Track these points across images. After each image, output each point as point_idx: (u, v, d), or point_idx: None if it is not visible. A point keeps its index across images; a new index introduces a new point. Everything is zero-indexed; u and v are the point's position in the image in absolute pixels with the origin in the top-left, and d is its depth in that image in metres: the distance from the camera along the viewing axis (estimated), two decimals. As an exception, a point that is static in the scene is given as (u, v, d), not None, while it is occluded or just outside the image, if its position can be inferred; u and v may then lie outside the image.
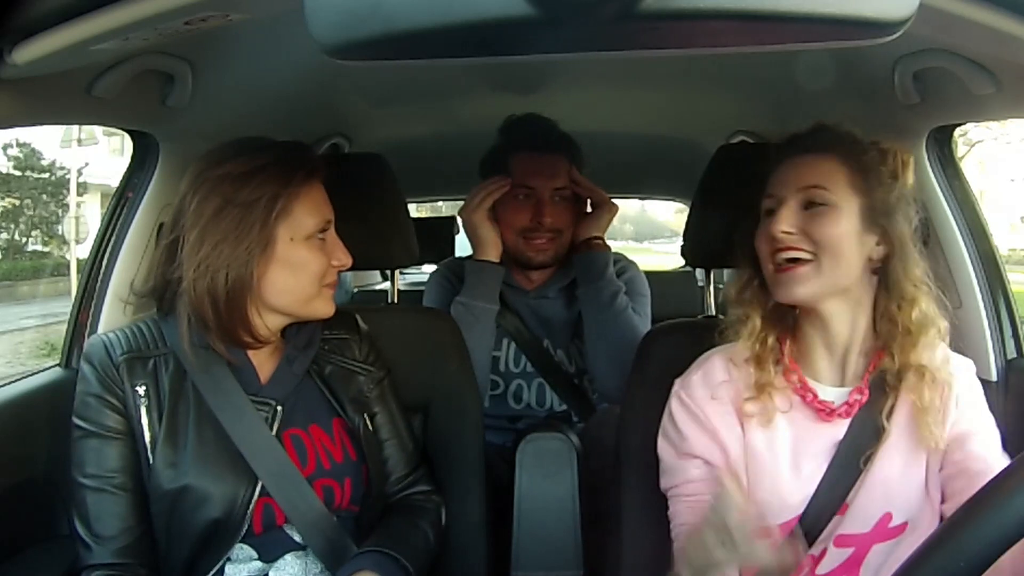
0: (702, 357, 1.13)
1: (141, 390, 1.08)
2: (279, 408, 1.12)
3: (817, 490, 1.04)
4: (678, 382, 1.12)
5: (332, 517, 1.12)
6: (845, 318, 1.06)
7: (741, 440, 1.06)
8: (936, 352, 1.05)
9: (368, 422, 1.20)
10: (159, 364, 1.10)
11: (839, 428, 1.05)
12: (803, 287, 1.04)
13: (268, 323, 1.12)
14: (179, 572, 1.08)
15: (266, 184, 1.06)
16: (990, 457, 1.04)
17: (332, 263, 1.13)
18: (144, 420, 1.07)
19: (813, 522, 1.04)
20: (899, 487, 1.03)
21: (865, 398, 1.05)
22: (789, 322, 1.10)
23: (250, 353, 1.14)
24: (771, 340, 1.08)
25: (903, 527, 1.04)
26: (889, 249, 1.05)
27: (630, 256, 1.92)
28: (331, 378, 1.19)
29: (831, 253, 1.03)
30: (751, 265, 1.11)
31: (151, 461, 1.07)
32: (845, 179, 1.05)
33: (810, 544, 1.04)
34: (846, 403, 1.05)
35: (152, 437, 1.07)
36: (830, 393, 1.07)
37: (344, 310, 1.31)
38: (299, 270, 1.10)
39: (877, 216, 1.04)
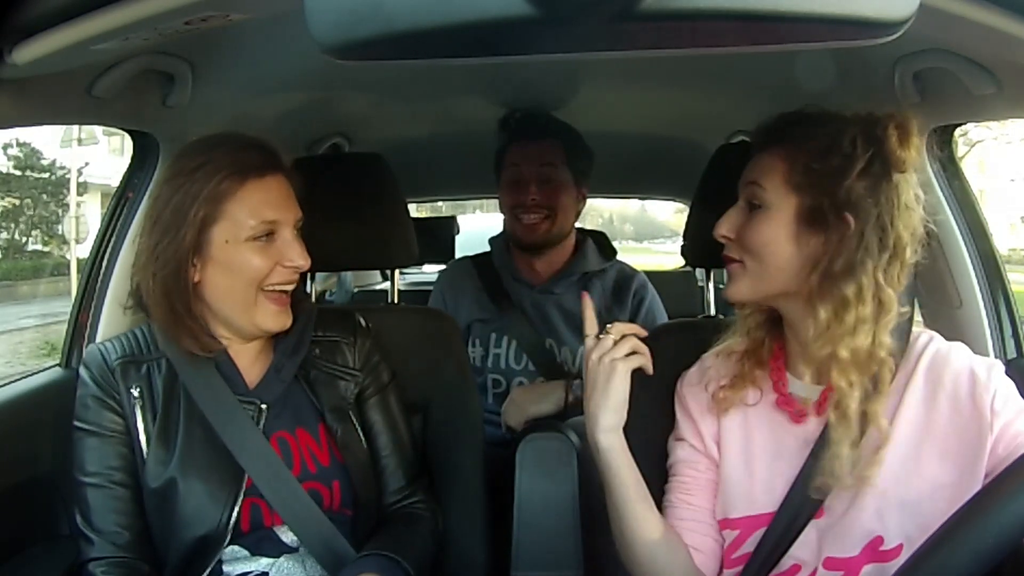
0: (704, 355, 1.14)
1: (135, 392, 1.10)
2: (264, 407, 1.12)
3: (791, 490, 1.00)
4: (681, 378, 1.15)
5: (326, 519, 1.12)
6: (804, 317, 0.98)
7: (714, 427, 1.08)
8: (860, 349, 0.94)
9: (358, 428, 1.19)
10: (152, 368, 1.12)
11: (817, 428, 1.00)
12: (733, 287, 1.03)
13: (215, 331, 1.12)
14: (175, 570, 1.09)
15: (199, 184, 1.05)
16: None
17: (284, 263, 1.09)
18: (139, 420, 1.09)
19: (789, 520, 1.00)
20: (893, 502, 0.94)
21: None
22: (781, 326, 1.07)
23: (234, 356, 1.14)
24: (766, 340, 1.07)
25: (899, 549, 0.94)
26: (836, 245, 0.93)
27: (630, 256, 1.94)
28: (315, 382, 1.18)
29: (756, 257, 0.99)
30: None
31: (145, 459, 1.08)
32: (781, 176, 0.97)
33: (793, 552, 1.00)
34: (816, 402, 1.01)
35: (147, 436, 1.09)
36: (807, 390, 1.03)
37: (346, 310, 1.32)
38: (235, 272, 1.08)
39: (823, 214, 0.94)
